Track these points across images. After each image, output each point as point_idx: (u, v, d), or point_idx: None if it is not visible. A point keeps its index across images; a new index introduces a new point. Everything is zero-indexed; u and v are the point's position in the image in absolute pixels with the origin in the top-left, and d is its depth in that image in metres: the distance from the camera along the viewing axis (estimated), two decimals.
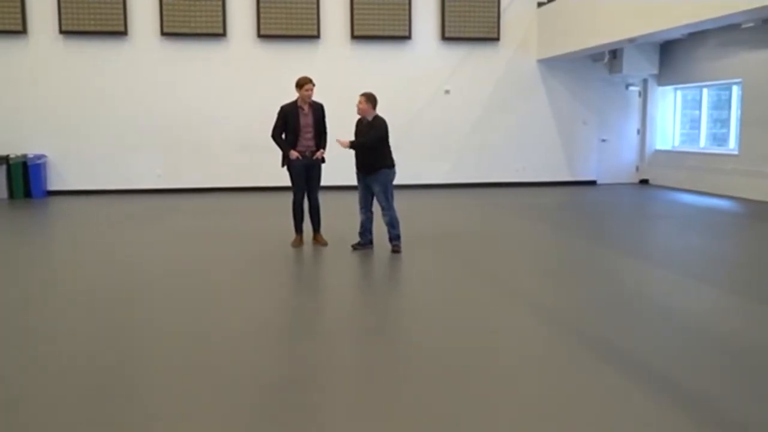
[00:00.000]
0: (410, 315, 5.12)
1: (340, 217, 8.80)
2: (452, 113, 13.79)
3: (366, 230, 7.49)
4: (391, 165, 7.28)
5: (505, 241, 8.28)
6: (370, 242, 7.55)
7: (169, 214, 10.36)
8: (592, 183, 14.49)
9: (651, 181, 14.54)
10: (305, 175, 7.51)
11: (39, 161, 12.42)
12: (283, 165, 7.51)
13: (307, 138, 7.44)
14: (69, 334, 4.68)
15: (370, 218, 7.46)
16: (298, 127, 7.37)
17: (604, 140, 14.54)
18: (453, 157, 13.90)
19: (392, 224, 7.33)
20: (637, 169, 14.74)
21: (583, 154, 14.44)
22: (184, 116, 13.01)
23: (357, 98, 7.21)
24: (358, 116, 7.29)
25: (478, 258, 7.18)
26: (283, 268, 6.87)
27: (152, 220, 9.85)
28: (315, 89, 7.40)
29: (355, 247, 7.47)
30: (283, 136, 7.44)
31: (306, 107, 7.40)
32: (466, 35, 13.62)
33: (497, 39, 13.74)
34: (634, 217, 10.70)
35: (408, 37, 13.47)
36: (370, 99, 7.20)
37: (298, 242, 7.63)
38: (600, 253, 7.51)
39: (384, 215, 7.32)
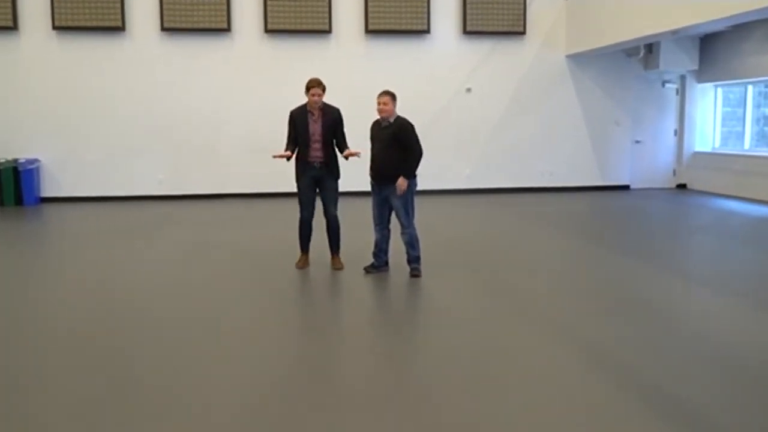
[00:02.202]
0: (435, 375, 4.12)
1: (352, 230, 7.85)
2: (474, 113, 12.84)
3: (381, 250, 6.55)
4: (413, 175, 6.34)
5: (535, 259, 7.30)
6: (386, 264, 6.61)
7: (168, 226, 9.48)
8: (625, 188, 13.47)
9: (689, 186, 13.50)
10: (315, 191, 6.59)
11: (31, 166, 11.62)
12: (295, 179, 6.64)
13: (315, 148, 6.48)
14: (37, 386, 3.79)
15: (386, 236, 6.52)
16: (306, 135, 6.45)
17: (638, 142, 13.52)
18: (474, 160, 12.96)
19: (412, 244, 6.38)
20: (674, 172, 13.69)
21: (616, 156, 13.43)
22: (187, 117, 12.17)
23: (378, 98, 6.25)
24: (378, 118, 6.34)
25: (509, 283, 6.21)
26: (284, 299, 5.94)
27: (148, 232, 8.98)
28: (325, 91, 6.46)
29: (368, 270, 6.53)
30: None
31: (316, 112, 6.47)
32: (490, 29, 12.65)
33: (523, 33, 12.76)
34: (674, 229, 9.68)
35: (426, 32, 12.52)
36: (394, 98, 6.27)
37: (303, 263, 6.71)
38: (638, 271, 6.52)
39: (403, 234, 6.37)
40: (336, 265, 6.68)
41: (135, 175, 12.17)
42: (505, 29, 12.68)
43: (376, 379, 4.01)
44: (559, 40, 12.97)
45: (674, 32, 9.95)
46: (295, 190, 6.62)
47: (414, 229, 6.39)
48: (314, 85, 6.36)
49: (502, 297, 5.74)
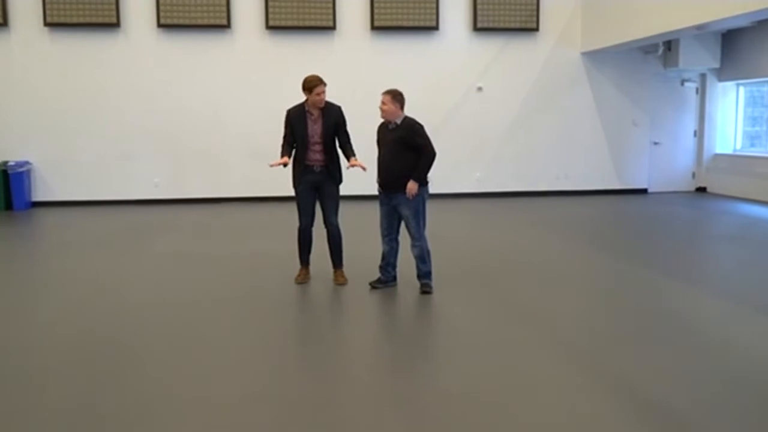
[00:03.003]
0: (450, 419, 3.56)
1: (355, 240, 7.29)
2: (485, 113, 12.28)
3: (389, 264, 5.99)
4: (425, 181, 5.78)
5: (552, 272, 6.71)
6: (393, 279, 6.06)
7: (160, 233, 8.95)
8: (643, 191, 12.87)
9: (709, 189, 12.91)
10: (314, 196, 6.02)
11: (22, 169, 11.10)
12: (293, 185, 6.07)
13: (315, 150, 5.92)
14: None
15: (394, 249, 5.96)
16: (305, 137, 5.88)
17: (656, 143, 12.92)
18: (485, 162, 12.39)
19: (423, 258, 5.81)
20: (694, 175, 13.09)
21: (633, 158, 12.84)
22: (184, 118, 11.64)
23: (379, 98, 5.71)
24: (382, 120, 5.80)
25: (526, 301, 5.63)
26: (281, 319, 5.39)
27: (138, 240, 8.44)
28: (327, 90, 5.91)
29: (374, 285, 5.98)
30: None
31: (315, 112, 5.90)
32: (501, 25, 12.09)
33: (536, 29, 12.19)
34: (698, 237, 9.14)
35: (435, 28, 11.96)
36: (396, 97, 5.68)
37: (303, 276, 6.15)
38: (665, 287, 5.94)
39: (414, 246, 5.80)
40: (339, 280, 6.12)
41: (130, 179, 11.66)
42: (518, 25, 12.12)
43: (383, 428, 3.45)
44: (575, 37, 12.39)
45: (699, 27, 9.36)
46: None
47: (426, 241, 5.83)
48: (318, 84, 5.78)
49: (521, 318, 5.17)
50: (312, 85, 5.80)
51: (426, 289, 5.80)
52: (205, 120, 11.68)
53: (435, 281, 5.88)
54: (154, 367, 4.19)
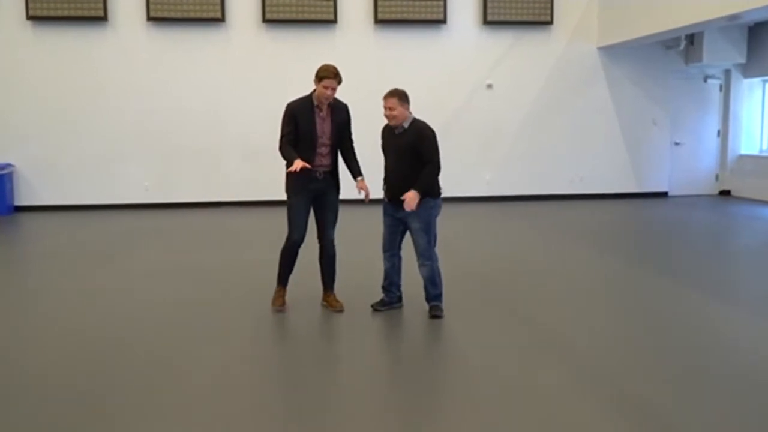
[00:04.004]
0: None
1: (352, 251, 6.61)
2: (495, 112, 11.58)
3: (392, 284, 5.29)
4: (437, 193, 5.07)
5: (576, 288, 6.01)
6: (399, 299, 5.36)
7: (147, 242, 8.28)
8: (663, 195, 12.16)
9: (733, 193, 12.19)
10: (311, 207, 5.22)
11: (3, 172, 10.45)
12: (287, 192, 5.18)
13: (322, 154, 5.12)
14: None
15: (397, 266, 5.26)
16: (312, 137, 5.05)
17: (677, 144, 12.20)
18: (496, 164, 11.70)
19: (433, 280, 5.11)
20: (717, 178, 12.37)
21: (653, 160, 12.13)
22: (176, 117, 10.97)
23: (383, 101, 4.95)
24: (388, 123, 5.09)
25: (549, 327, 4.92)
26: (264, 355, 4.69)
27: (122, 250, 7.76)
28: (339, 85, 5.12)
29: (376, 307, 5.28)
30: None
31: (325, 108, 5.12)
32: (513, 18, 11.38)
33: (550, 23, 11.49)
34: (728, 247, 8.41)
35: (443, 22, 11.26)
36: (403, 98, 4.96)
37: (280, 300, 5.28)
38: (698, 306, 5.23)
39: (422, 265, 5.09)
40: (334, 305, 5.32)
41: (119, 182, 11.00)
42: (531, 18, 11.42)
43: None
44: (591, 31, 11.67)
45: (731, 18, 8.62)
46: None
47: (436, 260, 5.13)
48: (331, 76, 4.95)
49: (548, 348, 4.46)
50: (323, 74, 4.95)
51: (436, 313, 5.10)
52: (198, 119, 11.02)
53: (445, 300, 5.18)
54: (120, 418, 3.50)
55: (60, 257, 7.55)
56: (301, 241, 5.22)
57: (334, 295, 5.39)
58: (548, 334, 4.78)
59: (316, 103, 5.07)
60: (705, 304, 5.54)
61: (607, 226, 9.71)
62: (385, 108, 4.97)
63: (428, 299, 5.17)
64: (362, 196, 5.23)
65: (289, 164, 4.94)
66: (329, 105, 5.11)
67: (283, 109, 5.14)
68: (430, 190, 4.98)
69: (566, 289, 6.01)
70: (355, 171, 5.25)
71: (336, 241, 5.35)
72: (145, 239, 8.49)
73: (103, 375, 4.06)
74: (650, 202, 11.68)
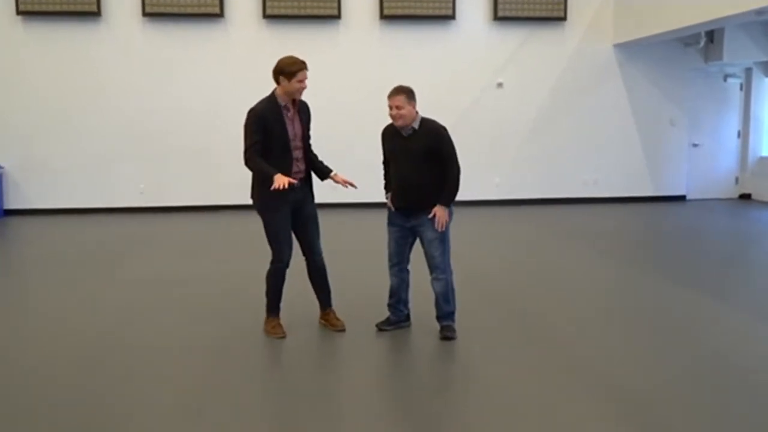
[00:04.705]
0: None
1: (343, 261, 6.13)
2: (505, 112, 11.09)
3: (400, 300, 4.81)
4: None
5: (601, 304, 5.53)
6: (406, 318, 4.88)
7: (137, 251, 7.82)
8: (681, 198, 11.66)
9: (754, 197, 11.68)
10: (293, 222, 4.67)
11: None
12: (263, 209, 4.63)
13: (297, 157, 4.59)
14: None
15: (405, 281, 4.79)
16: (285, 141, 4.50)
17: (695, 145, 11.69)
18: (505, 167, 11.21)
19: (446, 296, 4.63)
20: (737, 180, 11.87)
21: (670, 162, 11.62)
22: (173, 117, 10.52)
23: (389, 100, 4.46)
24: (393, 124, 4.61)
25: (575, 347, 4.43)
26: (258, 381, 4.22)
27: (110, 260, 7.30)
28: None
29: (381, 327, 4.80)
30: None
31: (291, 107, 4.58)
32: (525, 14, 10.89)
33: (563, 18, 10.99)
34: (752, 256, 7.87)
35: (451, 17, 10.77)
36: (411, 96, 4.46)
37: (278, 329, 4.72)
38: (733, 326, 4.73)
39: (436, 279, 4.62)
40: (335, 323, 4.85)
41: (113, 185, 10.54)
42: (543, 14, 10.92)
43: None
44: (606, 27, 11.18)
45: (759, 12, 8.11)
46: None
47: (451, 273, 4.66)
48: (304, 68, 4.45)
49: (575, 375, 3.97)
50: (296, 68, 4.40)
51: (448, 334, 4.62)
52: (196, 119, 10.56)
53: (458, 318, 4.71)
54: None
55: (47, 264, 7.09)
56: (289, 260, 4.70)
57: (334, 312, 4.91)
58: (574, 360, 4.28)
59: (282, 103, 4.52)
60: (744, 324, 5.04)
61: (625, 232, 9.22)
62: (391, 107, 4.48)
63: (440, 318, 4.69)
64: (346, 188, 4.67)
65: (266, 180, 4.32)
66: (294, 102, 4.57)
67: (245, 116, 4.48)
68: (449, 201, 4.52)
69: (588, 305, 5.51)
70: (325, 168, 4.74)
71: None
72: (136, 247, 8.03)
73: (83, 390, 3.59)
74: (667, 206, 11.19)
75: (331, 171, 4.74)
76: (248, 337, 4.72)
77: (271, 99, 4.53)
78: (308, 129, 4.70)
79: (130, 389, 3.84)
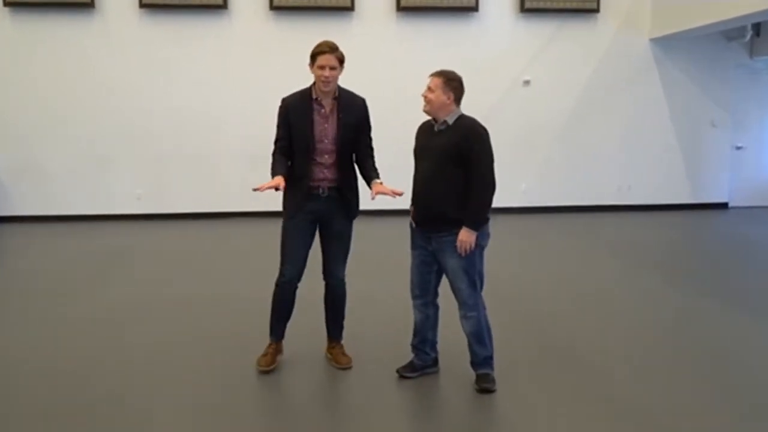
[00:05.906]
0: None
1: (369, 283, 5.29)
2: (533, 112, 10.25)
3: (425, 341, 3.98)
4: (486, 217, 3.76)
5: (664, 338, 4.68)
6: (434, 362, 4.05)
7: (128, 264, 7.06)
8: (723, 206, 10.79)
9: None
10: (312, 236, 3.99)
11: None
12: (283, 215, 4.01)
13: (323, 163, 3.87)
14: None
15: (432, 318, 3.97)
16: (309, 140, 3.81)
17: (739, 148, 10.84)
18: (533, 171, 10.37)
19: (479, 336, 3.79)
20: None
21: (711, 166, 10.76)
22: (173, 117, 9.76)
23: (427, 82, 3.77)
24: (428, 118, 3.83)
25: (642, 398, 3.58)
26: None
27: (97, 276, 6.53)
28: (342, 64, 3.86)
29: (403, 374, 3.97)
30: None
31: (328, 102, 3.87)
32: (554, 6, 10.04)
33: (596, 10, 10.13)
34: None
35: (474, 9, 9.95)
36: (450, 83, 3.73)
37: (272, 357, 4.04)
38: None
39: (465, 317, 3.78)
40: (341, 360, 4.10)
41: (108, 190, 9.79)
42: (575, 6, 10.06)
43: None
44: (642, 20, 10.31)
45: None
46: None
47: (484, 309, 3.82)
48: (326, 50, 3.76)
49: None
50: (316, 50, 3.79)
51: (485, 385, 3.77)
52: (197, 120, 9.78)
53: (497, 362, 3.87)
54: None
55: (29, 281, 6.32)
56: (297, 278, 3.96)
57: (341, 347, 4.15)
58: (646, 412, 3.42)
59: (315, 96, 3.82)
60: None
61: (665, 244, 8.39)
62: (427, 88, 3.73)
63: (474, 364, 3.85)
64: (389, 196, 3.79)
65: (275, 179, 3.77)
66: (336, 99, 3.85)
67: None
68: (478, 222, 3.67)
69: (655, 343, 4.66)
70: (371, 175, 3.96)
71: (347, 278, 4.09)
72: (135, 258, 7.27)
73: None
74: (708, 214, 10.34)
75: (373, 179, 3.93)
76: (238, 374, 3.89)
77: (305, 90, 3.91)
78: (361, 132, 3.96)
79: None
